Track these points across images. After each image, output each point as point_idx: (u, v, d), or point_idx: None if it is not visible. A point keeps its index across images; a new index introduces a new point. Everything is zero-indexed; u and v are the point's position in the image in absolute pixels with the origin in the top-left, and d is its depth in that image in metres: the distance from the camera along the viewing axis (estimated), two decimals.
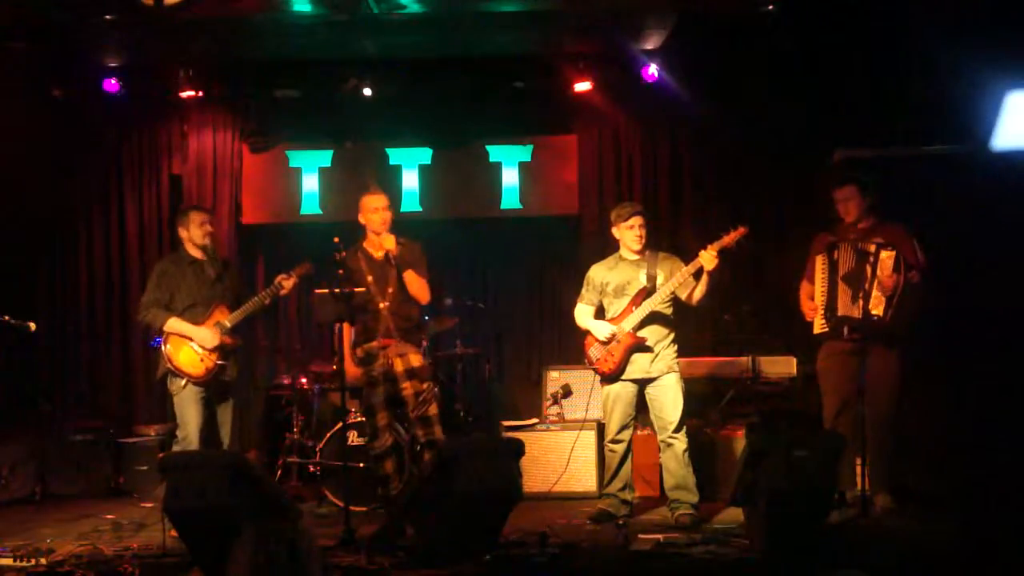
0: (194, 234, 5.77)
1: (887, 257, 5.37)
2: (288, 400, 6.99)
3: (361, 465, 5.91)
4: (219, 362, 5.64)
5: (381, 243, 5.65)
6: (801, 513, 4.54)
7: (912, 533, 4.99)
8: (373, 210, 5.73)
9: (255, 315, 5.87)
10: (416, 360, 5.65)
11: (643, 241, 5.65)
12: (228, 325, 5.68)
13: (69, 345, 7.81)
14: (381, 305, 5.65)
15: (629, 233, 5.64)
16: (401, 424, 5.89)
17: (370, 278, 5.67)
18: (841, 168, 6.63)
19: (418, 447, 5.73)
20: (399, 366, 5.61)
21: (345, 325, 5.56)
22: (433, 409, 5.62)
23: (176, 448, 5.67)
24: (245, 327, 5.96)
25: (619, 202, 6.32)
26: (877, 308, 5.36)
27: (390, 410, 5.70)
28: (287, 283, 5.74)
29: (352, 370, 5.68)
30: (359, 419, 6.11)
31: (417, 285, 5.66)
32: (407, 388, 5.59)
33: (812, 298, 5.68)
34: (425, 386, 5.61)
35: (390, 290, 5.67)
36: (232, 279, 5.96)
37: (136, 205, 7.91)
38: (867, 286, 5.38)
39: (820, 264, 5.62)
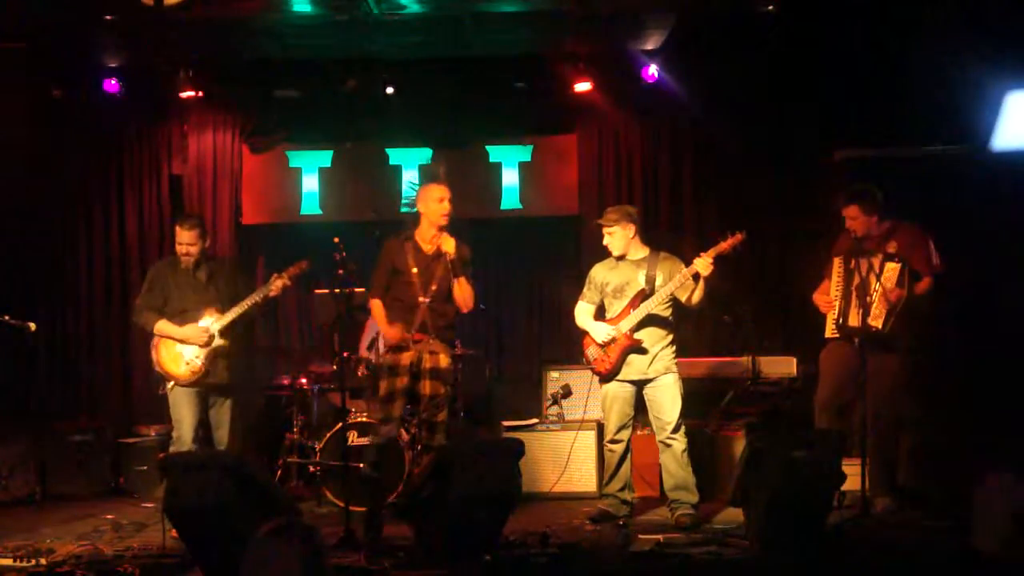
0: (177, 246, 5.78)
1: (891, 270, 5.35)
2: (288, 400, 6.98)
3: (361, 465, 5.90)
4: (205, 365, 5.64)
5: (439, 242, 5.47)
6: (801, 513, 4.55)
7: (912, 533, 4.98)
8: (437, 200, 5.51)
9: (249, 316, 5.83)
10: (444, 361, 5.48)
11: (616, 249, 5.60)
12: (217, 327, 5.67)
13: (69, 345, 7.80)
14: (421, 299, 5.46)
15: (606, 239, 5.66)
16: (409, 422, 5.86)
17: (415, 270, 5.48)
18: (842, 181, 6.55)
19: (419, 447, 5.69)
20: (427, 363, 5.45)
21: (367, 325, 5.39)
22: (442, 416, 5.47)
23: (171, 448, 5.69)
24: (245, 328, 5.95)
25: (618, 203, 6.31)
26: (876, 320, 5.35)
27: (404, 403, 5.53)
28: (278, 284, 5.71)
29: (391, 332, 5.47)
30: (359, 419, 6.10)
31: (466, 293, 5.49)
32: (425, 387, 5.45)
33: (828, 293, 5.66)
34: (442, 391, 5.46)
35: (433, 287, 5.48)
36: (228, 280, 5.92)
37: (136, 205, 7.91)
38: (869, 298, 5.36)
39: (837, 267, 5.61)
